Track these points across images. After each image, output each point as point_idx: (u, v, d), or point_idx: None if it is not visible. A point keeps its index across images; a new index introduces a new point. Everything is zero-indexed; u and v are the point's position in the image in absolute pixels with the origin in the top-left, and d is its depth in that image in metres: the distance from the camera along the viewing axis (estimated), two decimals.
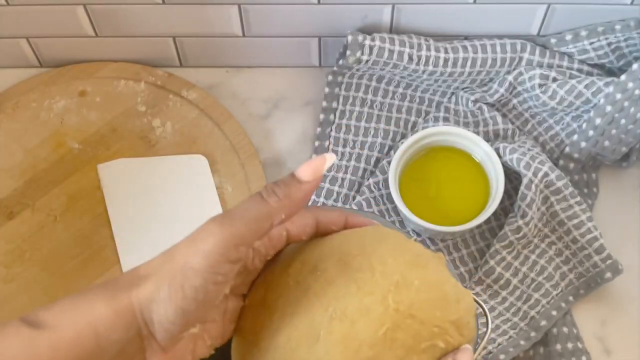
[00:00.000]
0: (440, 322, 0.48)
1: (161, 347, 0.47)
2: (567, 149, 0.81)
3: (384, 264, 0.48)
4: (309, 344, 0.47)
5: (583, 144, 0.80)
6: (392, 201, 0.80)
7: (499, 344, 0.74)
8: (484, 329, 0.56)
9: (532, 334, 0.75)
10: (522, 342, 0.74)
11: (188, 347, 0.49)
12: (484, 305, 0.55)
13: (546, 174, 0.76)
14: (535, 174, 0.76)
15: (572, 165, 0.82)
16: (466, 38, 0.84)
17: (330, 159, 0.50)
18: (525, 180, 0.76)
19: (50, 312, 0.46)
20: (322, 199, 0.82)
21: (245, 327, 0.51)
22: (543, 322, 0.75)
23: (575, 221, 0.77)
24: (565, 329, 0.76)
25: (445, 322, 0.48)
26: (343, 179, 0.83)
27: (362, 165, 0.84)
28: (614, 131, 0.78)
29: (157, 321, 0.46)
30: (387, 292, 0.47)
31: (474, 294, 0.75)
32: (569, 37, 0.82)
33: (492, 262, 0.77)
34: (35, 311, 0.46)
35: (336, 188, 0.83)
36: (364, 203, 0.80)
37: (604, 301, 0.78)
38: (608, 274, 0.76)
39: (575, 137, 0.81)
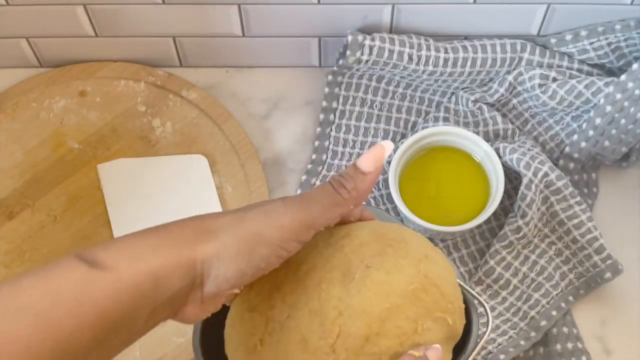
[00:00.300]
0: (454, 301, 0.52)
1: (203, 298, 0.49)
2: (567, 149, 0.81)
3: (413, 241, 0.53)
4: (343, 283, 0.50)
5: (583, 144, 0.80)
6: (392, 201, 0.80)
7: (499, 344, 0.74)
8: (484, 329, 0.57)
9: (532, 334, 0.75)
10: (522, 342, 0.74)
11: (220, 302, 0.50)
12: (485, 305, 0.58)
13: (546, 174, 0.76)
14: (535, 174, 0.76)
15: (572, 165, 0.82)
16: (466, 38, 0.84)
17: (389, 146, 0.52)
18: (525, 180, 0.76)
19: (109, 252, 0.46)
20: None
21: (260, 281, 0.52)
22: (543, 322, 0.75)
23: (575, 221, 0.77)
24: (565, 329, 0.76)
25: (457, 304, 0.52)
26: None
27: None
28: (613, 131, 0.78)
29: (215, 276, 0.48)
30: (418, 261, 0.51)
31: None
32: (569, 37, 0.82)
33: (492, 262, 0.77)
34: (93, 249, 0.46)
35: None
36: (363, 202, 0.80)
37: (604, 301, 0.78)
38: (608, 274, 0.76)
39: (575, 137, 0.81)
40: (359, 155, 0.84)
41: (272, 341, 0.51)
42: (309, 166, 0.84)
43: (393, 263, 0.50)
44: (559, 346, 0.75)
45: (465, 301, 0.56)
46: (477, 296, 0.59)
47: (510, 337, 0.75)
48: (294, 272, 0.52)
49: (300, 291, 0.51)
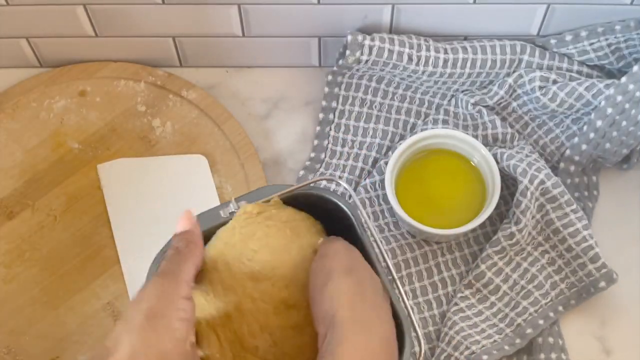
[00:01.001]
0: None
1: None
2: (568, 152, 0.81)
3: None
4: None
5: (584, 147, 0.80)
6: (387, 202, 0.80)
7: (482, 346, 0.74)
8: (418, 348, 0.60)
9: (517, 340, 0.75)
10: (506, 347, 0.74)
11: None
12: (417, 327, 0.60)
13: (542, 182, 0.76)
14: (531, 181, 0.76)
15: (572, 167, 0.82)
16: (466, 38, 0.84)
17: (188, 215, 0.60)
18: (520, 187, 0.76)
19: None
20: None
21: None
22: (529, 330, 0.75)
23: (571, 229, 0.76)
24: (550, 339, 0.75)
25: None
26: (340, 178, 0.83)
27: (360, 164, 0.84)
28: (614, 133, 0.78)
29: None
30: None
31: (462, 297, 0.76)
32: (569, 37, 0.82)
33: (483, 267, 0.77)
34: None
35: (333, 186, 0.83)
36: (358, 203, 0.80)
37: (603, 301, 0.78)
38: (602, 283, 0.75)
39: (576, 139, 0.81)
40: (357, 154, 0.84)
41: None
42: (307, 163, 0.84)
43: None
44: (542, 356, 0.75)
45: (399, 317, 0.59)
46: (420, 332, 0.60)
47: (495, 341, 0.75)
48: None
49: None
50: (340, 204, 0.63)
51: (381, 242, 0.69)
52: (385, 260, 0.62)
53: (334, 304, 0.54)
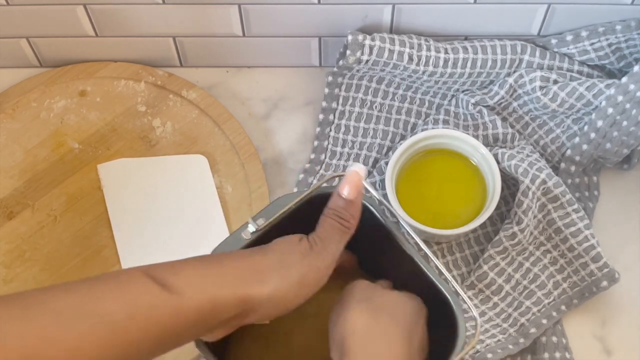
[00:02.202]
0: None
1: (239, 324, 0.57)
2: (569, 152, 0.81)
3: None
4: None
5: (584, 147, 0.80)
6: (388, 202, 0.80)
7: (487, 345, 0.74)
8: (472, 331, 0.59)
9: (521, 340, 0.75)
10: (510, 346, 0.74)
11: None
12: (475, 312, 0.60)
13: (544, 181, 0.76)
14: (532, 181, 0.76)
15: (573, 168, 0.82)
16: (466, 38, 0.84)
17: (361, 170, 0.61)
18: (522, 187, 0.76)
19: (178, 278, 0.53)
20: None
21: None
22: (532, 330, 0.75)
23: (573, 229, 0.76)
24: (554, 339, 0.75)
25: None
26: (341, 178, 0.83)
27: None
28: (615, 133, 0.78)
29: (261, 312, 0.56)
30: None
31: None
32: (569, 37, 0.82)
33: (485, 267, 0.77)
34: (163, 271, 0.54)
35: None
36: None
37: (604, 301, 0.78)
38: (604, 283, 0.75)
39: (577, 139, 0.81)
40: (357, 155, 0.84)
41: None
42: (307, 165, 0.84)
43: None
44: (546, 355, 0.75)
45: (452, 302, 0.60)
46: (469, 302, 0.60)
47: (499, 340, 0.75)
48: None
49: None
50: None
51: (404, 220, 0.70)
52: (413, 238, 0.64)
53: (347, 329, 0.57)
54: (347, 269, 0.69)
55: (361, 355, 0.55)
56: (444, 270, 0.61)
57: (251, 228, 0.63)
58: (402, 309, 0.60)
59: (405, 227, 0.64)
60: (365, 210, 0.63)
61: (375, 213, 0.65)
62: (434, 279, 0.62)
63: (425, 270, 0.63)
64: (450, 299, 0.61)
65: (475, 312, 0.60)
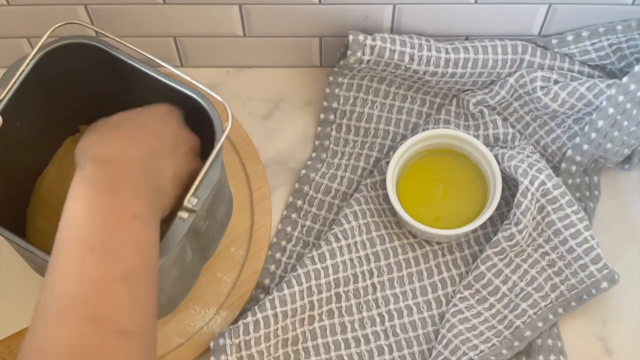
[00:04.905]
0: None
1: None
2: (569, 152, 0.81)
3: None
4: None
5: (585, 147, 0.80)
6: (388, 201, 0.80)
7: (480, 351, 0.74)
8: (226, 123, 0.66)
9: (516, 343, 0.75)
10: (504, 351, 0.74)
11: None
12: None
13: (543, 183, 0.76)
14: (532, 182, 0.76)
15: (574, 168, 0.82)
16: (467, 38, 0.84)
17: None
18: (521, 188, 0.76)
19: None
20: (319, 195, 0.83)
21: None
22: (527, 333, 0.75)
23: (572, 230, 0.76)
24: (549, 341, 0.75)
25: None
26: (342, 177, 0.83)
27: (362, 164, 0.84)
28: (616, 133, 0.78)
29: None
30: None
31: (461, 297, 0.76)
32: (570, 37, 0.82)
33: (482, 268, 0.77)
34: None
35: (335, 185, 0.83)
36: (362, 199, 0.80)
37: (605, 302, 0.78)
38: (604, 284, 0.75)
39: (577, 139, 0.81)
40: (359, 154, 0.84)
41: None
42: (309, 162, 0.84)
43: None
44: (541, 357, 0.75)
45: (200, 100, 0.67)
46: (213, 93, 0.67)
47: (493, 344, 0.75)
48: None
49: None
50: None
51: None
52: (143, 55, 0.70)
53: (81, 146, 0.63)
54: None
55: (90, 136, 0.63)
56: (185, 76, 0.67)
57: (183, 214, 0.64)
58: (145, 115, 0.66)
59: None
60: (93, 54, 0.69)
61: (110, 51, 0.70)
62: (176, 86, 0.68)
63: (168, 82, 0.68)
64: (198, 99, 0.67)
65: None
